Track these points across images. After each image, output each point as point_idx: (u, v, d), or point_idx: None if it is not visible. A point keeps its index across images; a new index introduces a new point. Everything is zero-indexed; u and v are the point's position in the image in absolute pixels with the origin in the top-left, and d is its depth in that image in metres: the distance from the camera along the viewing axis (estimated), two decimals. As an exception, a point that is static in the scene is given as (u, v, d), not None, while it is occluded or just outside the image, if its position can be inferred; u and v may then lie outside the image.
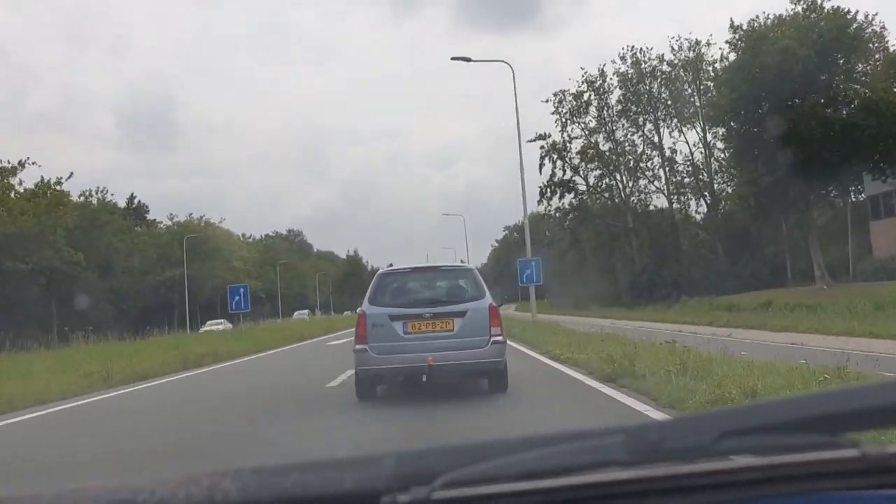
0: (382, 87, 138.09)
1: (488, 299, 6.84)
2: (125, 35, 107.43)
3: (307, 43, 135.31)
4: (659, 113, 41.62)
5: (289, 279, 79.76)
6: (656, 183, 43.04)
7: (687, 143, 41.78)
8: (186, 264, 49.50)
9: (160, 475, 0.62)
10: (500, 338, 6.66)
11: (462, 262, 9.00)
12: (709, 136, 40.22)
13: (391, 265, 8.01)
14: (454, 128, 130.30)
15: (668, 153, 41.94)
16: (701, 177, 41.11)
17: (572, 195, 44.03)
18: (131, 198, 57.41)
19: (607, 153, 42.79)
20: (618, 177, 43.32)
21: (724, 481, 0.59)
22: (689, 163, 41.68)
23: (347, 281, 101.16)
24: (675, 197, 42.40)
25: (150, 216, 56.93)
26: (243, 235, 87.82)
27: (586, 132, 43.01)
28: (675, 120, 41.12)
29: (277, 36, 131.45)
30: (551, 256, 67.04)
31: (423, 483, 0.59)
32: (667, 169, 42.10)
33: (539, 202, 44.04)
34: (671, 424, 0.63)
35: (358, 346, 6.61)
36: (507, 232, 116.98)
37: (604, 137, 42.97)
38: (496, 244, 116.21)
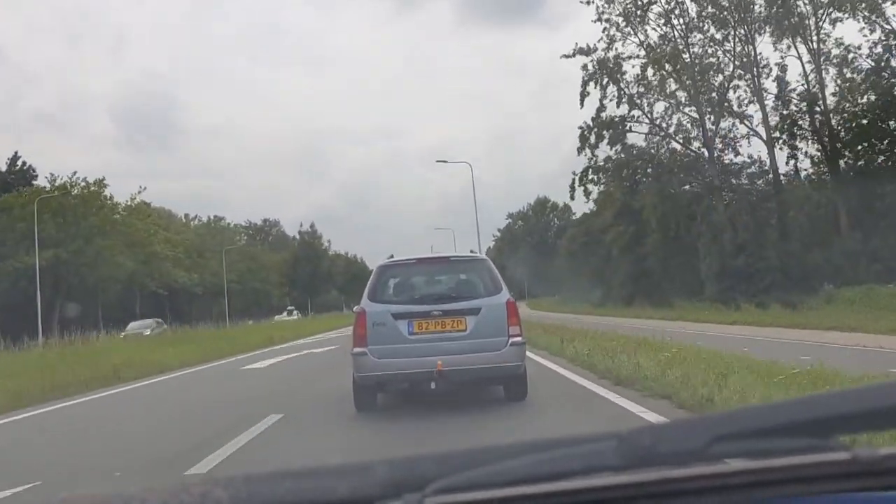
0: (383, 86, 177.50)
1: (505, 294, 8.12)
2: (123, 34, 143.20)
3: (306, 42, 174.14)
4: (755, 16, 39.93)
5: (243, 272, 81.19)
6: (746, 122, 41.29)
7: (800, 59, 39.75)
8: (62, 245, 49.21)
9: (151, 484, 0.90)
10: (519, 338, 7.97)
11: (472, 251, 10.43)
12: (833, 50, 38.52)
13: (392, 256, 9.36)
14: (454, 127, 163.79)
15: (773, 74, 40.00)
16: (817, 109, 39.34)
17: (619, 146, 42.75)
18: (14, 158, 58.02)
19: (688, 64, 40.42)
20: (695, 111, 41.75)
21: (715, 485, 0.87)
22: (801, 88, 39.51)
23: (298, 268, 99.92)
24: (781, 142, 40.68)
25: (37, 182, 57.19)
26: (186, 217, 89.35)
27: (645, 48, 41.64)
28: (783, 26, 38.85)
29: (275, 35, 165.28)
30: (581, 237, 65.46)
31: (416, 490, 0.87)
32: (766, 101, 40.47)
33: (580, 151, 43.87)
34: (664, 429, 0.91)
35: (357, 350, 7.88)
36: (510, 220, 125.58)
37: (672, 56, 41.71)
38: (497, 234, 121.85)
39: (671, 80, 41.69)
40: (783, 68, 40.20)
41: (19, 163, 58.87)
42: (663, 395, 8.26)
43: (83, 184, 55.80)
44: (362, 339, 7.83)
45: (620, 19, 41.79)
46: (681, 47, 41.69)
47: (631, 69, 42.60)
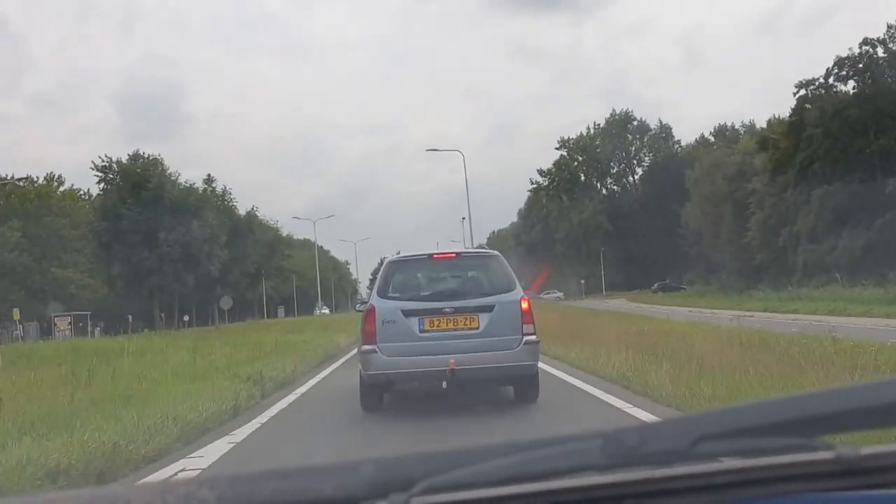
0: (385, 80, 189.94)
1: (519, 291, 8.20)
2: (128, 13, 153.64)
3: (314, 34, 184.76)
4: None
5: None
6: None
7: None
8: None
9: (137, 483, 0.91)
10: (533, 337, 7.97)
11: (482, 246, 10.48)
12: None
13: (399, 252, 9.36)
14: (455, 122, 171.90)
15: None
16: None
17: None
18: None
19: None
20: None
21: (700, 484, 0.89)
22: None
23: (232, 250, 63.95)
24: None
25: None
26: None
27: None
28: None
29: (278, 26, 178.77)
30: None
31: (402, 489, 0.88)
32: None
33: None
34: (650, 428, 0.93)
35: (365, 347, 7.88)
36: (562, 151, 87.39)
37: None
38: (540, 179, 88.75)
39: None
40: None
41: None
42: None
43: None
44: (371, 336, 7.82)
45: None
46: None
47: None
